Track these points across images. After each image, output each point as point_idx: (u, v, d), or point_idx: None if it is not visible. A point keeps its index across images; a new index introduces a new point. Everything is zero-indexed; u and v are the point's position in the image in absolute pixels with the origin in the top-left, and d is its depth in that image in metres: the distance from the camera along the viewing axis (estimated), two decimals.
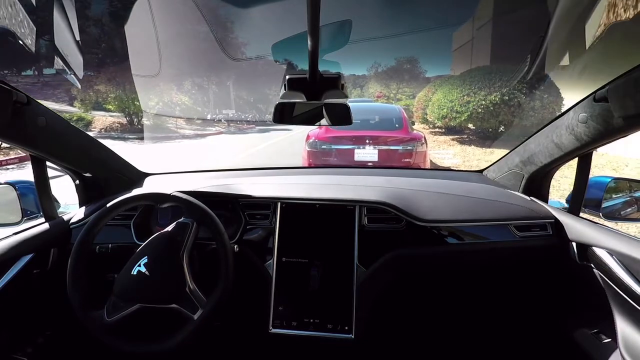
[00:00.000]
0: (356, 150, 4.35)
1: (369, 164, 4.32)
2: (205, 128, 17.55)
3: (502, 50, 14.37)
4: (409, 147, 4.35)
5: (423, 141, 4.44)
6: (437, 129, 11.79)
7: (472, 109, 8.95)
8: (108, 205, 1.04)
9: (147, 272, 0.96)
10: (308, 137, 4.62)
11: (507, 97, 8.59)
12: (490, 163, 1.62)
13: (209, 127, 18.22)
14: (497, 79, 8.95)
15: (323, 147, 4.43)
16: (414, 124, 11.47)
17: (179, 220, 1.08)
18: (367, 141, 4.34)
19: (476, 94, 9.03)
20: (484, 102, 8.79)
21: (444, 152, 8.80)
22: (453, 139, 10.22)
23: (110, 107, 14.26)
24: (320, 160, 4.44)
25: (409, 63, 26.07)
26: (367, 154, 4.33)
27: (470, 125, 9.78)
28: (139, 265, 0.97)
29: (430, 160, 6.96)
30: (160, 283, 0.97)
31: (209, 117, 19.98)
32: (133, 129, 13.82)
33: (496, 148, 8.54)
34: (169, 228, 1.06)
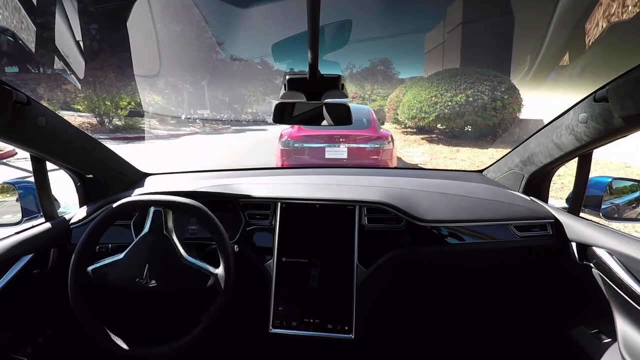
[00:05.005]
0: (327, 148, 4.52)
1: (343, 160, 4.51)
2: (179, 128, 17.29)
3: (470, 53, 15.08)
4: (376, 145, 4.55)
5: (390, 139, 4.64)
6: (408, 129, 12.22)
7: (439, 110, 9.36)
8: (112, 206, 1.04)
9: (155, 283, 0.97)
10: (281, 136, 4.72)
11: (471, 99, 9.06)
12: (490, 164, 1.63)
13: (183, 127, 17.96)
14: (462, 81, 9.40)
15: (295, 145, 4.58)
16: (383, 124, 11.85)
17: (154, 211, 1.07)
18: (337, 139, 4.51)
19: (443, 95, 9.45)
20: (450, 103, 9.23)
21: (414, 150, 9.16)
22: (423, 138, 10.65)
23: (79, 107, 13.81)
24: (293, 158, 4.58)
25: (382, 64, 26.62)
26: (337, 151, 4.51)
27: (439, 125, 10.19)
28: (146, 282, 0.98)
29: (399, 158, 7.29)
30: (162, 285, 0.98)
31: (183, 117, 19.66)
32: (104, 129, 13.48)
33: (461, 147, 9.00)
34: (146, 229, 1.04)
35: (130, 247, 1.01)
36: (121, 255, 1.01)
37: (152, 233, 1.02)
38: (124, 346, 0.94)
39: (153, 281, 0.97)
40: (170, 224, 1.03)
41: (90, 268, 1.00)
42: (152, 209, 1.04)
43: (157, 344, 0.96)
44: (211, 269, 1.01)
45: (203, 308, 0.99)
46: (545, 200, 1.35)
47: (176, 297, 1.02)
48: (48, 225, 1.18)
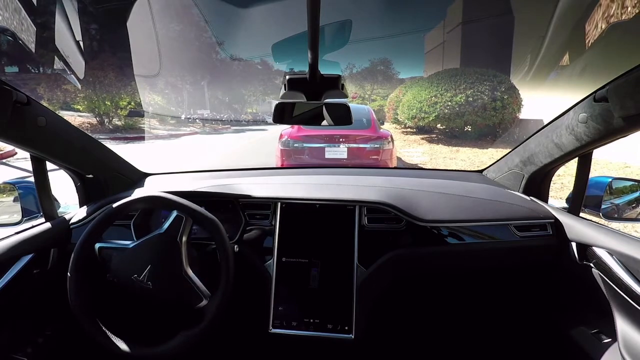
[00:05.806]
0: (327, 148, 4.53)
1: (343, 160, 4.51)
2: (179, 128, 17.30)
3: (470, 53, 15.09)
4: (376, 145, 4.55)
5: (390, 139, 4.64)
6: (408, 129, 12.22)
7: (439, 110, 9.35)
8: (113, 206, 1.02)
9: (151, 285, 0.96)
10: (281, 136, 4.72)
11: (471, 99, 9.06)
12: (490, 164, 1.63)
13: (183, 127, 17.98)
14: (462, 81, 9.39)
15: (295, 145, 4.58)
16: (383, 124, 11.85)
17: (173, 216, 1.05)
18: (337, 139, 4.51)
19: (443, 95, 9.44)
20: (450, 103, 9.22)
21: (413, 150, 9.17)
22: (423, 138, 10.66)
23: (79, 107, 13.81)
24: (293, 158, 4.58)
25: (382, 64, 26.61)
26: (337, 151, 4.51)
27: (439, 125, 10.18)
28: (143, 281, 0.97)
29: (399, 158, 7.28)
30: (166, 292, 0.98)
31: (183, 117, 19.67)
32: (104, 129, 13.49)
33: (461, 147, 9.01)
34: (165, 226, 1.03)
35: (141, 240, 1.01)
36: (130, 245, 1.01)
37: (166, 235, 1.01)
38: (123, 346, 0.93)
39: (149, 283, 0.96)
40: (186, 234, 1.02)
41: (98, 245, 1.01)
42: (174, 212, 1.03)
43: (156, 344, 0.95)
44: (207, 292, 0.99)
45: (183, 325, 0.98)
46: (545, 200, 1.35)
47: (165, 305, 1.01)
48: (48, 225, 1.18)
